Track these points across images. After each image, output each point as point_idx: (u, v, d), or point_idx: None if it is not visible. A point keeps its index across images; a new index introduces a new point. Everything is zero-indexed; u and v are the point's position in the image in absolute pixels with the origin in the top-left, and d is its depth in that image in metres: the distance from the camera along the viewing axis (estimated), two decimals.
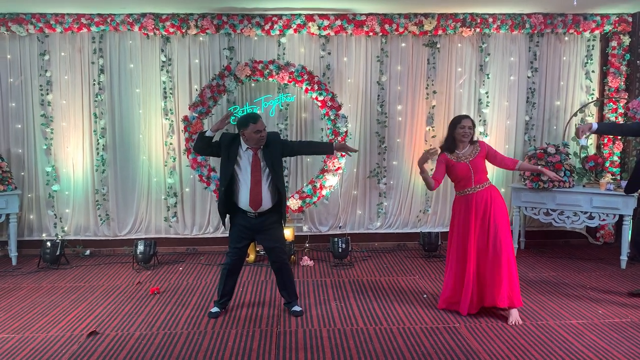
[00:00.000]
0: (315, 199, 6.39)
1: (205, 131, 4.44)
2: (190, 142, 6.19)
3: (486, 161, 4.55)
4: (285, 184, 6.55)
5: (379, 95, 6.69)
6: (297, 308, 4.57)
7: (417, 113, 6.74)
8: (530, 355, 3.71)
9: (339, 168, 6.39)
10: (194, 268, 6.05)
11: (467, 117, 4.56)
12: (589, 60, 6.78)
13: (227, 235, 6.22)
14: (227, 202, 4.42)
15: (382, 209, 6.87)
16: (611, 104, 6.74)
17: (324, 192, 6.42)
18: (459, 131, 4.46)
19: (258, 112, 6.47)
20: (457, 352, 3.77)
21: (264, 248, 4.63)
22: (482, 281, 4.41)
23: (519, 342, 3.93)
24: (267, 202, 4.37)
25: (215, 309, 4.56)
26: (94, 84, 6.48)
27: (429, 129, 6.73)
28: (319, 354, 3.75)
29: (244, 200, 4.34)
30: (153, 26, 6.27)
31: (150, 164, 6.63)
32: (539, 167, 4.93)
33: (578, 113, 6.79)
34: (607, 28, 6.64)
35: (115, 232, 6.71)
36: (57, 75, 6.47)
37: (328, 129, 6.42)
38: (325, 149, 4.99)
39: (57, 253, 6.05)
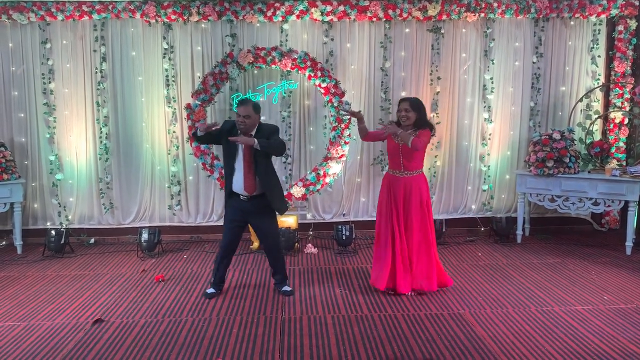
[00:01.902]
0: (318, 186, 6.38)
1: (196, 131, 4.52)
2: (193, 130, 6.16)
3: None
4: (289, 172, 6.59)
5: (382, 82, 6.64)
6: (287, 288, 4.74)
7: (421, 99, 6.64)
8: (536, 342, 3.71)
9: (342, 155, 6.37)
10: (198, 256, 6.06)
11: (405, 100, 4.60)
12: (595, 45, 6.70)
13: None
14: (228, 186, 4.57)
15: None
16: (617, 89, 6.68)
17: (327, 180, 6.41)
18: (397, 114, 4.61)
19: (261, 99, 6.45)
20: (462, 338, 3.77)
21: (258, 232, 4.76)
22: (408, 264, 4.61)
23: (524, 328, 3.93)
24: (259, 187, 4.51)
25: (211, 290, 4.70)
26: (96, 72, 6.45)
27: (433, 116, 6.68)
28: (323, 340, 3.76)
29: (238, 183, 4.49)
30: (155, 13, 6.22)
31: (153, 152, 6.62)
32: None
33: (584, 98, 6.73)
34: (614, 12, 6.55)
35: (120, 220, 6.72)
36: (59, 63, 6.44)
37: (331, 116, 6.38)
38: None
39: (62, 242, 6.07)
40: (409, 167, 4.57)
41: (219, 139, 4.55)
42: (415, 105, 4.54)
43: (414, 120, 4.53)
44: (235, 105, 4.49)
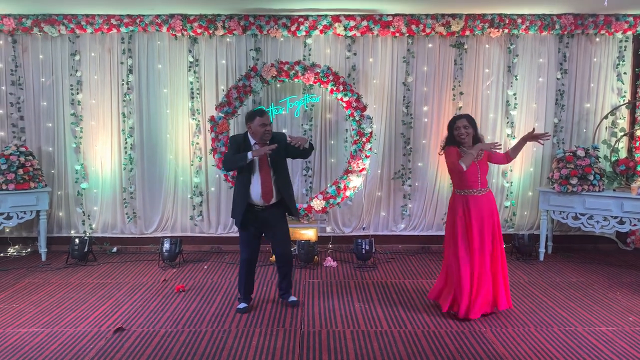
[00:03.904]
0: (339, 199, 6.38)
1: (245, 155, 4.40)
2: (216, 143, 6.24)
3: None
4: (310, 185, 6.62)
5: (404, 96, 6.65)
6: (293, 298, 4.77)
7: (444, 114, 6.68)
8: None
9: (363, 169, 6.37)
10: (219, 266, 6.09)
11: (461, 117, 4.48)
12: (621, 62, 6.63)
13: None
14: (245, 198, 4.49)
15: (406, 211, 6.82)
16: None
17: (347, 193, 6.41)
18: (455, 133, 4.43)
19: (283, 112, 6.53)
20: (483, 356, 3.72)
21: (272, 241, 4.73)
22: (487, 285, 4.40)
23: (547, 347, 3.86)
24: (276, 195, 4.54)
25: (242, 305, 4.66)
26: (123, 84, 6.58)
27: None
28: (342, 355, 3.74)
29: (255, 193, 4.47)
30: (181, 27, 6.34)
31: (177, 163, 6.71)
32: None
33: (609, 116, 6.65)
34: None
35: (142, 230, 6.81)
36: (87, 75, 6.59)
37: (353, 129, 6.41)
38: (308, 150, 4.67)
39: (85, 250, 6.17)
40: (485, 184, 4.46)
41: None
42: (472, 120, 4.46)
43: (472, 136, 4.43)
44: (252, 116, 4.46)
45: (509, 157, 4.60)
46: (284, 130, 6.63)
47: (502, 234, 4.60)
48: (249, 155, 4.38)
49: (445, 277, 4.61)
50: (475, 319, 4.36)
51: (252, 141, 4.53)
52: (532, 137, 4.52)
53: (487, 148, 4.43)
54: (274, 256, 6.12)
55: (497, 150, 4.55)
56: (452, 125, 4.46)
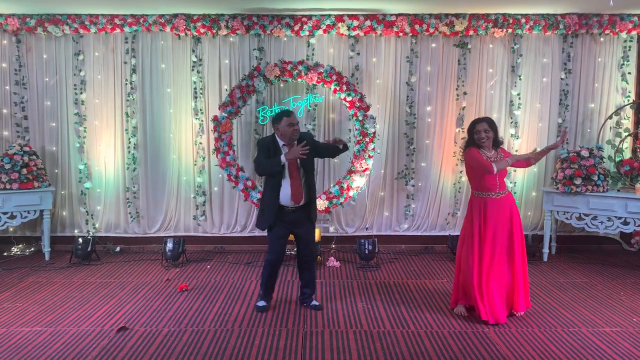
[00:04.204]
0: (342, 199, 6.38)
1: (279, 159, 4.38)
2: (220, 142, 6.23)
3: None
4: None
5: (408, 96, 6.64)
6: (315, 302, 4.71)
7: (447, 114, 6.67)
8: None
9: (366, 169, 6.37)
10: (222, 266, 6.09)
11: (480, 120, 4.43)
12: (626, 62, 6.61)
13: (255, 234, 6.27)
14: (276, 201, 4.47)
15: (409, 211, 6.81)
16: None
17: (351, 193, 6.40)
18: (475, 137, 4.39)
19: None
20: (486, 357, 3.71)
21: (299, 243, 4.68)
22: (509, 289, 4.38)
23: (550, 348, 3.85)
24: (305, 197, 4.52)
25: (262, 303, 4.67)
26: (126, 84, 6.59)
27: (459, 131, 6.65)
28: (345, 355, 3.74)
29: (285, 195, 4.45)
30: (184, 27, 6.35)
31: (180, 162, 6.72)
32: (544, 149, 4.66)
33: (613, 116, 6.63)
34: None
35: (145, 229, 6.81)
36: (91, 74, 6.60)
37: (356, 129, 6.40)
38: (340, 149, 4.74)
39: (89, 249, 6.18)
40: (503, 186, 4.43)
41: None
42: (493, 123, 4.42)
43: (493, 139, 4.40)
44: (279, 117, 4.46)
45: (529, 162, 4.55)
46: None
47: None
48: (282, 158, 4.37)
49: (457, 281, 4.58)
50: (499, 323, 4.30)
51: (281, 142, 4.49)
52: (555, 146, 4.57)
53: (524, 158, 4.39)
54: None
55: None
56: (472, 128, 4.42)
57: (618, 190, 6.12)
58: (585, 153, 6.00)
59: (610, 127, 6.69)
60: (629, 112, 6.68)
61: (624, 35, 6.53)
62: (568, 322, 4.38)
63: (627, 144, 6.69)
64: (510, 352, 3.79)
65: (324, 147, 4.68)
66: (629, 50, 6.60)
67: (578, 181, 5.94)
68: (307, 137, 4.56)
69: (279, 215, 4.50)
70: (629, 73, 6.64)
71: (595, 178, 5.90)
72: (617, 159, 6.48)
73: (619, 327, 4.28)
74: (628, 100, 6.64)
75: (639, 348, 3.87)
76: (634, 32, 6.52)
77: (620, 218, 5.85)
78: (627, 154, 6.66)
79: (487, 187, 4.37)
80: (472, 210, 4.47)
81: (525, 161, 4.55)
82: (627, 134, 6.59)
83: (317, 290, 4.96)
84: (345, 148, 4.66)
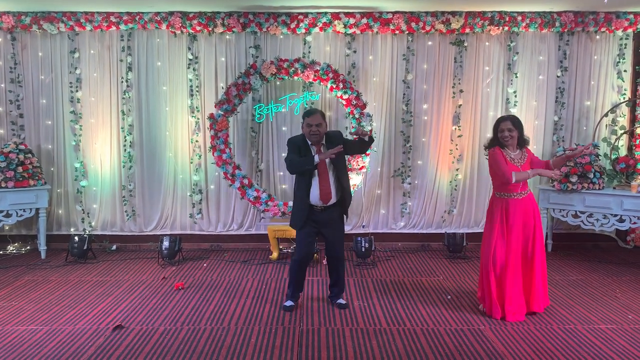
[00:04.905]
0: None
1: (312, 158, 4.36)
2: (216, 140, 6.22)
3: None
4: None
5: (404, 94, 6.64)
6: (342, 301, 4.70)
7: (443, 112, 6.67)
8: None
9: (362, 167, 6.37)
10: (218, 264, 6.09)
11: (505, 119, 4.37)
12: (621, 60, 6.62)
13: (252, 233, 6.28)
14: (306, 202, 4.45)
15: (406, 209, 6.82)
16: None
17: None
18: (498, 135, 4.35)
19: (283, 110, 6.52)
20: (482, 354, 3.72)
21: (326, 242, 4.65)
22: (526, 288, 4.41)
23: (546, 345, 3.86)
24: (334, 197, 4.48)
25: (289, 303, 4.64)
26: (122, 82, 6.57)
27: (455, 129, 6.65)
28: (341, 353, 3.74)
29: (314, 194, 4.44)
30: (180, 24, 6.33)
31: (176, 161, 6.70)
32: (563, 154, 4.65)
33: (609, 113, 6.64)
34: None
35: (141, 227, 6.80)
36: (87, 72, 6.58)
37: (352, 127, 6.40)
38: (367, 142, 4.64)
39: (85, 247, 6.16)
40: (525, 187, 4.39)
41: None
42: (517, 122, 4.34)
43: (517, 138, 4.34)
44: (303, 117, 4.49)
45: (549, 166, 4.47)
46: (283, 129, 6.63)
47: None
48: (316, 158, 4.34)
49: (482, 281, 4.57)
50: (513, 321, 4.32)
51: (309, 142, 4.48)
52: (576, 154, 4.50)
53: (548, 175, 4.27)
54: (274, 254, 6.17)
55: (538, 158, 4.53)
56: (496, 127, 4.38)
57: (614, 188, 6.13)
58: None
59: (606, 125, 6.70)
60: (624, 109, 6.69)
61: (619, 33, 6.54)
62: (563, 319, 4.39)
63: (623, 142, 6.70)
64: (505, 349, 3.80)
65: (352, 145, 4.59)
66: (625, 48, 6.61)
67: (574, 179, 5.95)
68: (337, 136, 4.54)
69: (308, 214, 4.49)
70: (625, 71, 6.65)
71: (591, 176, 5.92)
72: (613, 157, 6.49)
73: (614, 324, 4.29)
74: (624, 98, 6.65)
75: (634, 345, 3.88)
76: (629, 30, 6.53)
77: (615, 215, 5.87)
78: (623, 152, 6.68)
79: (509, 189, 4.34)
80: (492, 212, 4.45)
81: (544, 164, 4.48)
82: (622, 131, 6.60)
83: (307, 287, 4.97)
84: (372, 140, 4.58)
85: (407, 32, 6.47)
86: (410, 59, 6.59)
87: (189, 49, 6.52)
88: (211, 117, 6.28)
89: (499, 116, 6.58)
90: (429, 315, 4.46)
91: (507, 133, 4.29)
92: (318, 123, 4.41)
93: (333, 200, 4.49)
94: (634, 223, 5.82)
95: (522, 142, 4.38)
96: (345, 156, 4.71)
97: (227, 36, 6.53)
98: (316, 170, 4.43)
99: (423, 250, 6.75)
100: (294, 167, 4.47)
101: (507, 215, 4.35)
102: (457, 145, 6.67)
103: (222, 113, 6.25)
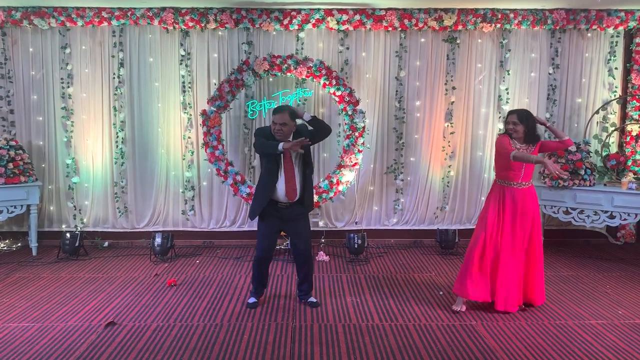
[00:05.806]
0: (331, 194, 6.38)
1: (277, 144, 4.27)
2: (208, 137, 6.21)
3: None
4: None
5: (397, 91, 6.65)
6: (312, 299, 4.67)
7: (436, 109, 6.69)
8: (549, 355, 3.67)
9: (355, 164, 6.37)
10: (211, 261, 6.08)
11: (512, 112, 4.46)
12: (612, 57, 6.66)
13: (244, 229, 6.26)
14: (267, 194, 4.41)
15: (398, 205, 6.84)
16: (634, 101, 6.62)
17: (340, 188, 6.41)
18: (506, 127, 4.49)
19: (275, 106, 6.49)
20: (474, 350, 3.74)
21: (292, 238, 4.66)
22: (525, 280, 4.47)
23: (537, 341, 3.89)
24: (300, 192, 4.46)
25: (252, 300, 4.64)
26: (114, 78, 6.54)
27: (448, 125, 6.67)
28: (334, 349, 3.75)
29: (280, 191, 4.39)
30: (173, 20, 6.30)
31: (168, 157, 6.68)
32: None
33: (600, 110, 6.68)
34: (632, 24, 6.51)
35: (134, 224, 6.78)
36: (78, 68, 6.53)
37: (345, 124, 6.40)
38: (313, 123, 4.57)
39: (76, 244, 6.14)
40: (527, 178, 4.44)
41: None
42: (523, 117, 4.37)
43: (523, 132, 4.38)
44: (272, 114, 4.44)
45: (564, 141, 4.47)
46: None
47: None
48: (280, 146, 4.23)
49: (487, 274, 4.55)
50: (502, 310, 4.40)
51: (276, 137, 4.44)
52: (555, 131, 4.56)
53: (552, 170, 4.15)
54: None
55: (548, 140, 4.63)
56: (506, 118, 4.53)
57: (604, 185, 6.18)
58: (572, 147, 6.04)
59: (597, 122, 6.74)
60: (615, 107, 6.74)
61: (610, 30, 6.58)
62: (555, 314, 4.42)
63: (614, 139, 6.75)
64: (497, 344, 3.83)
65: (310, 133, 4.51)
66: (616, 45, 6.65)
67: (565, 175, 5.97)
68: (304, 129, 4.50)
69: (272, 210, 4.45)
70: (616, 68, 6.69)
71: (582, 172, 5.95)
72: (604, 154, 6.54)
73: (605, 319, 4.34)
74: (615, 95, 6.70)
75: (624, 340, 3.93)
76: (620, 28, 6.57)
77: (606, 212, 5.91)
78: (614, 149, 6.72)
79: (510, 177, 4.40)
80: (490, 197, 4.54)
81: (556, 143, 4.52)
82: (613, 128, 6.65)
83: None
84: (315, 119, 4.50)
85: (400, 29, 6.48)
86: (403, 56, 6.60)
87: (181, 45, 6.49)
88: (204, 113, 6.26)
89: (490, 113, 6.70)
90: (421, 311, 4.48)
91: (511, 125, 4.41)
92: (283, 122, 4.32)
93: (298, 196, 4.46)
94: (624, 219, 5.87)
95: (531, 139, 4.43)
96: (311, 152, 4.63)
97: (219, 32, 6.51)
98: (282, 167, 4.37)
99: (415, 247, 6.77)
100: (260, 146, 4.40)
101: (503, 201, 4.41)
102: (449, 142, 6.69)
103: (214, 109, 6.24)
